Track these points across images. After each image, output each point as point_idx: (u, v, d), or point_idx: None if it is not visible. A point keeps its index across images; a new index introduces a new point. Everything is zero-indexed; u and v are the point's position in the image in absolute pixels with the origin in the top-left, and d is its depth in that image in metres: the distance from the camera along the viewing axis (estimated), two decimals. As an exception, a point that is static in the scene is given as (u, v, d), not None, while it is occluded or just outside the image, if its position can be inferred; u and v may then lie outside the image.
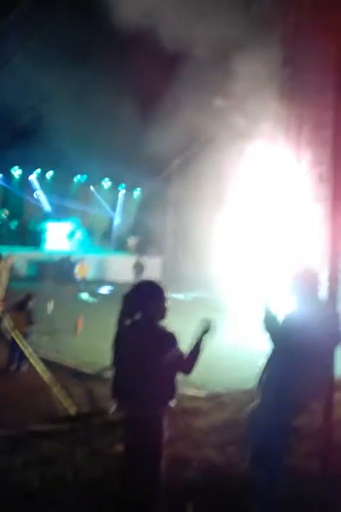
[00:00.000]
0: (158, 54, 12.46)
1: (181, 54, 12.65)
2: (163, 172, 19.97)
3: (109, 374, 8.70)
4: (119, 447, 4.39)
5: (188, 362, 3.16)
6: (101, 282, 18.11)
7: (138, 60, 13.18)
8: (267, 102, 13.67)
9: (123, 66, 13.72)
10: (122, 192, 23.10)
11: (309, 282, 3.63)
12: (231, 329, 11.77)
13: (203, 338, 3.21)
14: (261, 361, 3.68)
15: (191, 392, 5.95)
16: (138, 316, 3.21)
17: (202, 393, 5.70)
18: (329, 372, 3.95)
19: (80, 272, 17.43)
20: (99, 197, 22.57)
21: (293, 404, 3.47)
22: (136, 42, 12.59)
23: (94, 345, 9.70)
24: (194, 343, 3.19)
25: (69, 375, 8.31)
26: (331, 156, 4.92)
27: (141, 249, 21.15)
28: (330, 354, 3.81)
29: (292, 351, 3.43)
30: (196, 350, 3.17)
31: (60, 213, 21.02)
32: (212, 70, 12.64)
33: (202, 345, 3.20)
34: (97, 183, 22.39)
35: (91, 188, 22.40)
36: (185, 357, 3.13)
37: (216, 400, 5.38)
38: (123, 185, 22.73)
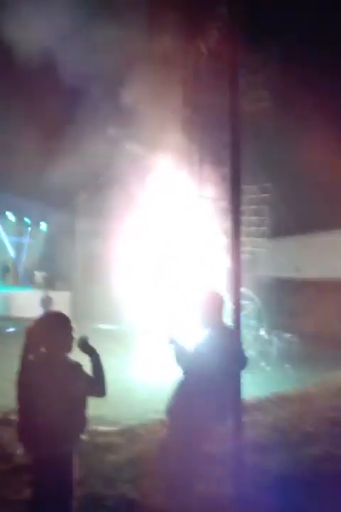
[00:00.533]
0: (60, 86, 12.45)
1: (85, 87, 12.75)
2: (70, 204, 19.75)
3: (14, 416, 8.26)
4: (27, 493, 4.18)
5: (97, 383, 3.11)
6: (7, 319, 17.26)
7: (40, 91, 13.06)
8: (171, 138, 14.21)
9: (24, 98, 13.48)
10: (28, 226, 22.41)
11: (214, 304, 3.74)
12: (141, 361, 11.78)
13: (94, 354, 3.17)
14: (171, 390, 3.73)
15: (103, 427, 5.83)
16: (43, 350, 3.10)
17: (114, 428, 5.60)
18: (236, 396, 4.09)
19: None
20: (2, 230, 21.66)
21: (202, 429, 3.54)
22: (37, 74, 12.48)
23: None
24: (90, 363, 3.15)
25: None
26: (230, 193, 5.22)
27: (49, 283, 20.56)
28: (236, 378, 3.95)
29: (198, 377, 3.51)
30: (97, 369, 3.13)
31: None
32: (113, 104, 12.86)
33: (98, 361, 3.16)
34: (1, 217, 21.50)
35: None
36: (93, 381, 3.09)
37: (129, 433, 5.31)
38: (29, 218, 22.07)
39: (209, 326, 3.71)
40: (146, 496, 4.05)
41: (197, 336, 3.77)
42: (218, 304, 3.75)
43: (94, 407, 7.96)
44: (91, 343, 3.22)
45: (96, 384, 3.11)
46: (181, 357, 3.63)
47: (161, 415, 5.77)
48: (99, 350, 3.18)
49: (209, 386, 3.51)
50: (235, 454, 4.20)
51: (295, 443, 4.75)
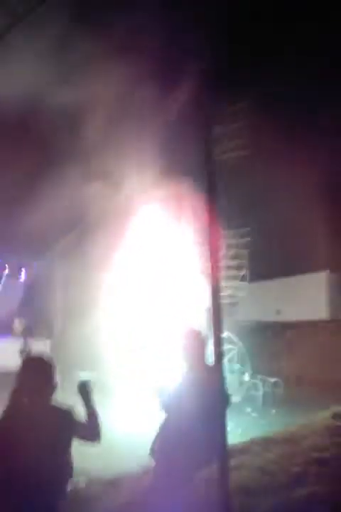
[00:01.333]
0: (37, 127, 12.61)
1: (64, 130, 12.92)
2: (49, 252, 19.65)
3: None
4: None
5: (90, 426, 3.03)
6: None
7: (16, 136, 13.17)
8: (148, 182, 14.46)
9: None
10: (5, 273, 22.10)
11: (194, 343, 3.70)
12: (122, 410, 11.55)
13: (89, 398, 3.10)
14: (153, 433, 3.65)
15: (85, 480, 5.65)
16: (24, 399, 2.95)
17: (100, 479, 5.43)
18: (222, 438, 3.98)
19: None
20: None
21: (184, 471, 3.46)
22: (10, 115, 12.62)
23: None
24: (84, 408, 3.07)
25: None
26: (208, 238, 5.31)
27: (28, 332, 20.16)
28: (220, 418, 3.84)
29: (179, 418, 3.45)
30: (91, 413, 3.06)
31: None
32: (92, 147, 13.05)
33: (93, 405, 3.09)
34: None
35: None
36: (86, 426, 3.00)
37: (114, 482, 5.16)
38: (7, 265, 21.80)
39: (191, 365, 3.68)
40: None
41: (178, 376, 3.73)
42: (198, 343, 3.73)
43: (77, 460, 7.73)
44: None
45: (89, 427, 3.02)
46: (162, 397, 3.59)
47: (144, 464, 5.65)
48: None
49: (190, 428, 3.44)
50: (223, 498, 4.08)
51: (284, 485, 4.67)
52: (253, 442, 6.48)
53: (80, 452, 8.23)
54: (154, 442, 3.63)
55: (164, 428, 3.62)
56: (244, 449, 6.04)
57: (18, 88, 11.22)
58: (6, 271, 21.84)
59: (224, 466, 4.20)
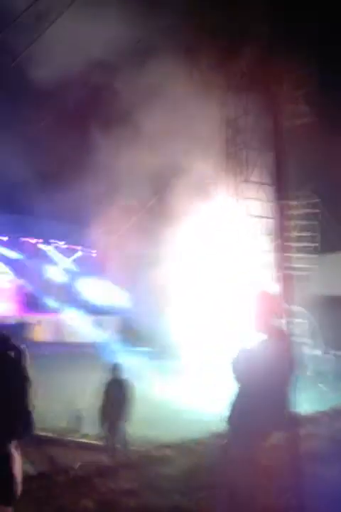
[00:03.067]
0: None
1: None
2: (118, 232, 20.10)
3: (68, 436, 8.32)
4: (86, 503, 4.22)
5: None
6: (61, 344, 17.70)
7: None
8: (214, 159, 14.32)
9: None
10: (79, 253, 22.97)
11: (265, 306, 3.60)
12: (189, 382, 11.74)
13: None
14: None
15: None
16: None
17: (168, 441, 5.58)
18: (284, 403, 3.87)
19: (37, 334, 16.96)
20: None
21: (260, 435, 3.45)
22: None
23: (52, 409, 9.37)
24: None
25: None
26: (277, 210, 5.17)
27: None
28: (284, 384, 3.74)
29: (251, 385, 3.42)
30: None
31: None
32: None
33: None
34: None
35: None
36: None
37: (182, 446, 5.27)
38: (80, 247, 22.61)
39: (262, 330, 3.60)
40: (201, 508, 3.99)
41: (249, 342, 3.69)
42: (270, 306, 3.61)
43: (146, 428, 7.97)
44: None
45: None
46: (236, 366, 3.56)
47: (210, 432, 5.74)
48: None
49: (262, 393, 3.41)
50: (294, 464, 4.05)
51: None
52: (322, 413, 6.36)
53: (149, 421, 8.49)
54: (231, 410, 3.62)
55: (237, 396, 3.60)
56: (313, 419, 5.95)
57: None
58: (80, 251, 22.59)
59: (295, 433, 4.17)
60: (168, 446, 5.28)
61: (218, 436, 4.63)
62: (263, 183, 14.87)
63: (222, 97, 14.19)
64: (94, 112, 13.79)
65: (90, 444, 8.28)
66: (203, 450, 4.94)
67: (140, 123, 12.95)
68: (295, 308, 8.91)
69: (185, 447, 5.22)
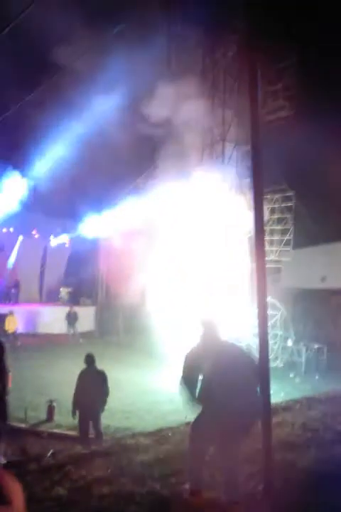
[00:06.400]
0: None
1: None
2: (95, 219, 19.92)
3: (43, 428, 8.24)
4: (59, 490, 4.18)
5: None
6: (33, 335, 17.49)
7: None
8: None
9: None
10: (52, 241, 22.67)
11: (210, 331, 4.07)
12: (165, 373, 11.75)
13: None
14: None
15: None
16: None
17: (143, 430, 5.57)
18: (265, 395, 4.02)
19: (9, 325, 16.65)
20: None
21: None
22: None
23: (27, 400, 9.28)
24: None
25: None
26: (253, 203, 5.25)
27: (74, 299, 20.75)
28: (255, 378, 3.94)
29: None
30: None
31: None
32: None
33: None
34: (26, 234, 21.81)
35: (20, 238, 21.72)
36: None
37: (157, 434, 5.27)
38: (54, 234, 22.33)
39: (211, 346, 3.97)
40: (176, 492, 4.00)
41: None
42: (213, 329, 4.06)
43: (122, 418, 7.94)
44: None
45: None
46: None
47: (186, 421, 5.76)
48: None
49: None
50: (266, 451, 4.10)
51: (328, 441, 4.63)
52: (296, 401, 6.45)
53: (125, 413, 8.43)
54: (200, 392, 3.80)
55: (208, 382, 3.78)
56: (287, 407, 6.03)
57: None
58: (53, 239, 22.37)
59: (268, 421, 4.23)
60: (142, 434, 5.26)
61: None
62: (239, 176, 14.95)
63: (200, 88, 14.16)
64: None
65: (64, 434, 8.21)
66: (178, 438, 4.94)
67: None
68: (268, 299, 9.02)
69: (159, 435, 5.22)
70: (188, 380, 3.89)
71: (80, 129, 14.26)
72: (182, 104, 13.04)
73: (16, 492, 1.63)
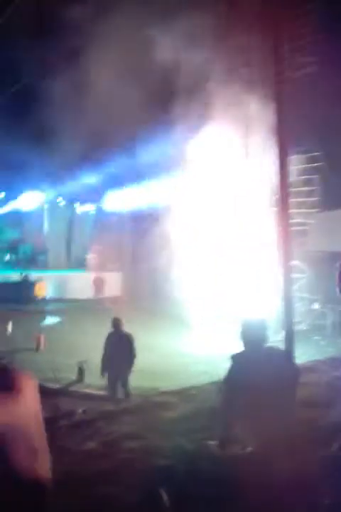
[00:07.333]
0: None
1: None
2: (119, 189, 20.01)
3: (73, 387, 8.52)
4: (90, 445, 4.39)
5: None
6: (61, 301, 17.91)
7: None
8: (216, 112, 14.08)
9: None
10: (78, 209, 22.95)
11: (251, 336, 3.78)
12: (192, 337, 11.92)
13: None
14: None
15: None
16: None
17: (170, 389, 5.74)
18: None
19: (39, 291, 17.12)
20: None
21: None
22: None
23: (57, 362, 9.61)
24: None
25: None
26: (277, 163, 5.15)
27: (101, 265, 21.08)
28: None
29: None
30: None
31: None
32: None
33: None
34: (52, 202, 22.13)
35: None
36: None
37: (184, 393, 5.43)
38: (79, 201, 22.59)
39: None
40: (202, 447, 4.14)
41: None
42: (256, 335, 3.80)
43: (150, 379, 8.13)
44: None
45: None
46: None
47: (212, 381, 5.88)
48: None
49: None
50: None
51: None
52: (321, 362, 6.50)
53: (154, 374, 8.64)
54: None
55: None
56: (312, 367, 6.08)
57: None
58: (79, 207, 22.62)
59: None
60: (170, 393, 5.42)
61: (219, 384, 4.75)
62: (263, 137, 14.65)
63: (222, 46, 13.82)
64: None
65: (93, 394, 8.49)
66: (204, 396, 5.08)
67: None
68: (294, 262, 8.97)
69: (186, 394, 5.37)
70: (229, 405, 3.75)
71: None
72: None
73: (29, 386, 1.75)
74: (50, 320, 15.26)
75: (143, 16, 12.21)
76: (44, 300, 16.99)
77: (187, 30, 12.44)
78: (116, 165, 17.62)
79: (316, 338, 13.22)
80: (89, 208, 23.00)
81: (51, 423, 5.01)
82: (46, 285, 17.56)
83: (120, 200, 20.17)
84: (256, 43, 13.57)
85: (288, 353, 4.62)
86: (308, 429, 4.19)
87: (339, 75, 11.86)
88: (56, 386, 8.99)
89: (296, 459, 3.80)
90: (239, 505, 3.19)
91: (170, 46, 12.46)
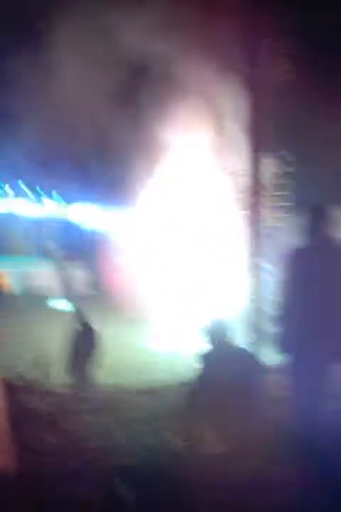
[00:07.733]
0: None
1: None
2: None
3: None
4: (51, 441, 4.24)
5: None
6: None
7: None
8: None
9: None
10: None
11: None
12: (155, 330, 11.88)
13: None
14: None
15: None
16: None
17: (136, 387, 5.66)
18: None
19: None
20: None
21: None
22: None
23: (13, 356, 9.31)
24: None
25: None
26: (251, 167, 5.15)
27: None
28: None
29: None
30: None
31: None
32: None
33: None
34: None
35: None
36: None
37: (150, 391, 5.36)
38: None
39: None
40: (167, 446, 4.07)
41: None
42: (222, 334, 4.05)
43: (114, 376, 7.95)
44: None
45: None
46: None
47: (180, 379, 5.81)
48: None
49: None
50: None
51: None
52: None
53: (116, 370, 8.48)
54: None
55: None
56: (281, 367, 6.07)
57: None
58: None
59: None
60: (136, 390, 5.35)
61: (186, 382, 4.68)
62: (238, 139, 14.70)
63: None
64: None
65: (56, 390, 8.28)
66: (170, 394, 5.01)
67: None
68: (264, 264, 9.01)
69: (153, 391, 5.30)
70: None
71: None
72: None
73: None
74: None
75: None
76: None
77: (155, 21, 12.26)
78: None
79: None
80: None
81: (13, 420, 4.86)
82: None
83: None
84: (233, 44, 13.61)
85: (255, 353, 4.62)
86: (275, 428, 4.16)
87: (315, 81, 12.01)
88: (18, 382, 8.75)
89: (262, 458, 3.78)
90: (204, 505, 3.15)
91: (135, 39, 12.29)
